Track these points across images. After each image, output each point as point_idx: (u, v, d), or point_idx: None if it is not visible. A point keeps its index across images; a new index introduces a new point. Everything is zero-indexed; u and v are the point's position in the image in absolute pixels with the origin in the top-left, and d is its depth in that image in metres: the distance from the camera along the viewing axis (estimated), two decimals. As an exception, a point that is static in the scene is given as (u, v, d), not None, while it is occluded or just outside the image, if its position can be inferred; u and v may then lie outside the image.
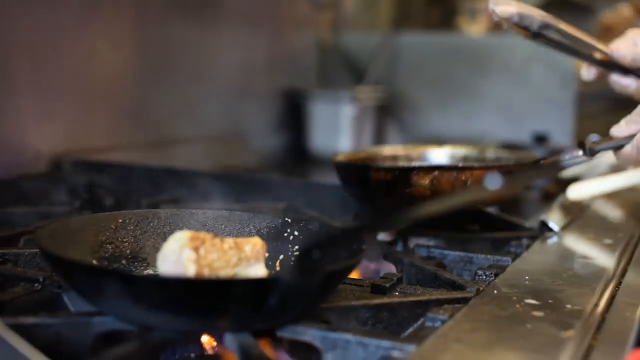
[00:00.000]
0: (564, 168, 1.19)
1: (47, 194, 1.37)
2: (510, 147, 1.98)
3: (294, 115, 2.32)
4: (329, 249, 0.68)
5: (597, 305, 0.84)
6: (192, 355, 0.78)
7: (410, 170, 1.02)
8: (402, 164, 1.22)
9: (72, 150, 1.57)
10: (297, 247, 0.89)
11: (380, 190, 1.01)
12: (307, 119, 2.30)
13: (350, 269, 0.78)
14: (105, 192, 1.37)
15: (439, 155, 1.23)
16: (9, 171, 1.44)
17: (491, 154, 1.20)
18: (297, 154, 2.32)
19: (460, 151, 1.23)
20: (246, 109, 2.17)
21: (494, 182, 0.60)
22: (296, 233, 0.90)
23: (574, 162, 1.12)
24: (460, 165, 1.04)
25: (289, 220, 0.91)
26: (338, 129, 2.27)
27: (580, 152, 1.11)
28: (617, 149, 1.11)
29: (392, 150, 1.24)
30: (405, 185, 1.01)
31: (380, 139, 2.42)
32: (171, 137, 1.87)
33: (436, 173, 1.00)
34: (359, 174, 1.06)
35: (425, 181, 1.00)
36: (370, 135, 2.35)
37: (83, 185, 1.43)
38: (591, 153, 1.10)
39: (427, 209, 0.66)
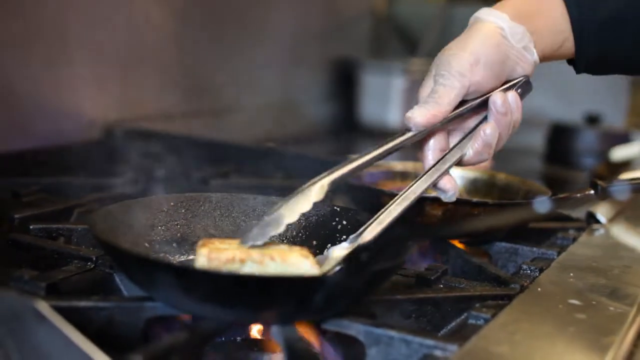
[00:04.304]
0: (576, 205, 1.18)
1: (99, 163, 1.39)
2: (560, 128, 1.97)
3: (345, 84, 2.32)
4: (376, 251, 0.69)
5: (640, 308, 0.84)
6: (239, 338, 0.80)
7: (423, 199, 1.00)
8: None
9: (124, 118, 1.59)
10: (344, 237, 0.90)
11: None
12: (358, 89, 2.30)
13: (396, 269, 0.79)
14: (156, 164, 1.39)
15: None
16: (63, 138, 1.46)
17: (501, 180, 1.19)
18: (347, 124, 2.32)
19: (470, 174, 1.22)
20: (297, 77, 2.18)
21: (543, 206, 0.61)
22: (344, 222, 0.91)
23: (585, 201, 1.12)
24: (474, 200, 1.03)
25: (337, 209, 0.92)
26: (388, 100, 2.27)
27: (592, 192, 1.10)
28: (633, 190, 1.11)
29: (402, 166, 1.23)
30: (417, 213, 1.00)
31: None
32: (222, 105, 1.88)
33: (449, 205, 0.99)
34: (371, 196, 1.06)
35: (438, 212, 0.99)
36: (420, 107, 2.33)
37: (135, 156, 1.45)
38: (603, 193, 1.10)
39: (470, 225, 0.67)
